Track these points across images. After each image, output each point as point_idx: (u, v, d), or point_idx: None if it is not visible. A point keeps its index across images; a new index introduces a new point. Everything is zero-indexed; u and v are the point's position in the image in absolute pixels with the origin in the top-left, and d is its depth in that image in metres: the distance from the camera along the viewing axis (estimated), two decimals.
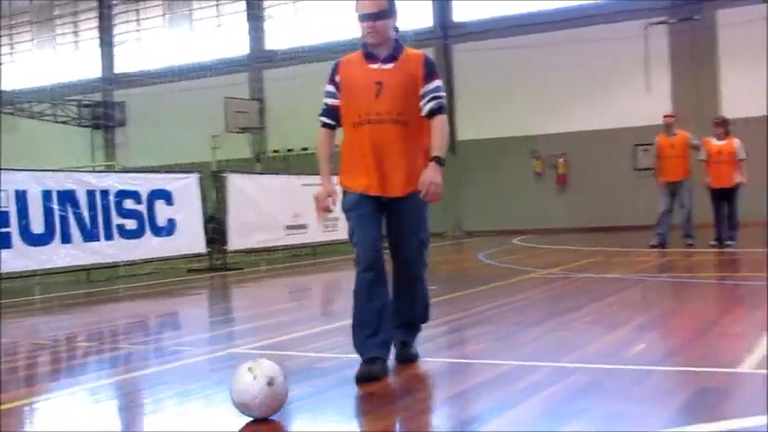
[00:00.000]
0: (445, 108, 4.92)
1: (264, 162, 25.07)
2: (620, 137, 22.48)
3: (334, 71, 4.99)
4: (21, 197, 11.26)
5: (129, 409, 4.76)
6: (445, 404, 4.54)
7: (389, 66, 4.84)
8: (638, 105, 22.15)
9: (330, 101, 4.99)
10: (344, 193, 4.95)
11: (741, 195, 14.37)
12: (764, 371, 4.74)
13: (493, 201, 23.69)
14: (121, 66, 30.41)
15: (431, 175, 4.66)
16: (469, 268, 13.03)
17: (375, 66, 4.85)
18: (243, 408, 3.82)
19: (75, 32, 31.75)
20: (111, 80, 30.01)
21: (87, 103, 28.97)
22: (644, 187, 21.03)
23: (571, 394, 4.44)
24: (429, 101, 4.84)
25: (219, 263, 14.39)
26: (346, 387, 4.71)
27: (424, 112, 4.85)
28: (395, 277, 5.05)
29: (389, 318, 4.99)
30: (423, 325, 5.32)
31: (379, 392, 4.62)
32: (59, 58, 31.84)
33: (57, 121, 28.00)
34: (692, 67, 21.92)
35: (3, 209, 11.00)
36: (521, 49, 23.17)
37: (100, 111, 29.05)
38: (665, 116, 15.09)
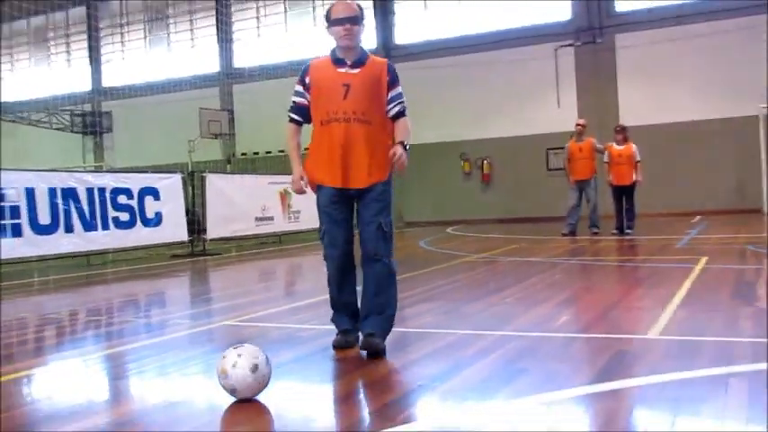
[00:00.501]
0: (407, 110, 4.75)
1: (234, 163, 24.85)
2: (534, 142, 22.68)
3: (305, 73, 4.74)
4: (30, 193, 11.13)
5: (131, 377, 4.68)
6: (409, 366, 4.51)
7: (356, 70, 4.60)
8: (549, 115, 22.42)
9: (298, 99, 4.74)
10: (317, 189, 4.75)
11: (638, 191, 14.61)
12: (667, 337, 4.90)
13: (429, 196, 23.75)
14: (108, 80, 29.86)
15: (399, 150, 4.54)
16: (414, 254, 12.96)
17: (343, 70, 4.61)
18: (231, 392, 3.61)
19: (68, 51, 31.10)
20: (99, 93, 29.56)
21: (79, 112, 28.43)
22: (555, 184, 21.33)
23: (513, 357, 4.52)
24: (395, 105, 4.66)
25: (199, 249, 14.33)
26: (324, 353, 4.74)
27: (390, 115, 4.68)
28: (363, 265, 4.77)
29: (359, 307, 4.86)
30: (391, 327, 4.84)
31: (351, 357, 4.63)
32: (54, 74, 31.24)
33: (52, 128, 27.45)
34: (595, 83, 22.22)
35: (14, 203, 10.89)
36: (452, 67, 23.28)
37: (90, 119, 28.54)
38: (578, 124, 15.06)
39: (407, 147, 4.60)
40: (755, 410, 3.26)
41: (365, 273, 4.76)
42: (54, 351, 5.77)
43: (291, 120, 4.80)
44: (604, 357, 4.42)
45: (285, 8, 26.89)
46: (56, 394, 4.28)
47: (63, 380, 4.69)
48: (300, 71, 4.78)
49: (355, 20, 4.56)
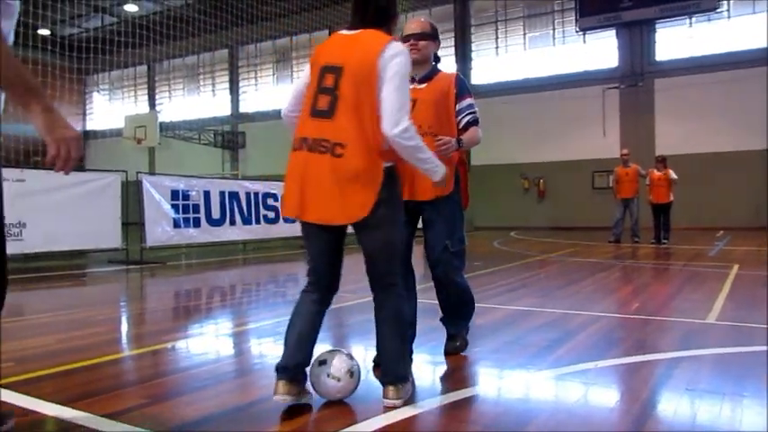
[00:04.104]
0: (478, 121, 3.87)
1: None
2: (583, 166, 22.71)
3: None
4: (206, 195, 11.81)
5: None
6: (525, 335, 4.60)
7: (423, 86, 3.85)
8: (596, 144, 22.42)
9: None
10: None
11: (673, 209, 14.66)
12: (722, 322, 5.10)
13: (494, 206, 23.89)
14: (243, 107, 30.73)
15: (448, 139, 3.63)
16: (493, 251, 13.08)
17: (411, 86, 3.55)
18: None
19: (213, 84, 31.99)
20: (236, 117, 30.43)
21: (220, 131, 29.38)
22: (598, 200, 21.44)
23: (606, 331, 4.76)
24: (465, 116, 3.88)
25: None
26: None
27: (461, 125, 3.88)
28: (434, 281, 4.02)
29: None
30: (468, 323, 4.25)
31: (475, 331, 4.52)
32: (202, 101, 32.08)
33: (200, 143, 28.49)
34: (635, 119, 22.09)
35: (195, 202, 11.59)
36: (518, 104, 23.47)
37: (228, 137, 29.51)
38: (623, 154, 15.28)
39: (461, 144, 3.77)
40: None
41: (435, 283, 4.02)
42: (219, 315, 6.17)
43: None
44: (677, 334, 4.67)
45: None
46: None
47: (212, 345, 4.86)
48: None
49: (421, 36, 3.88)
